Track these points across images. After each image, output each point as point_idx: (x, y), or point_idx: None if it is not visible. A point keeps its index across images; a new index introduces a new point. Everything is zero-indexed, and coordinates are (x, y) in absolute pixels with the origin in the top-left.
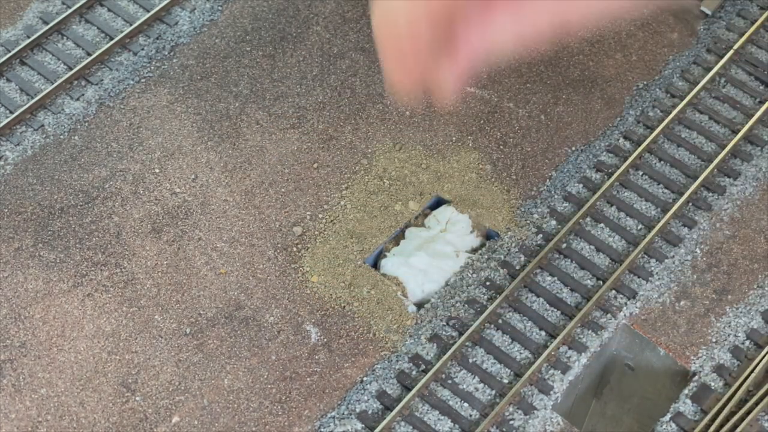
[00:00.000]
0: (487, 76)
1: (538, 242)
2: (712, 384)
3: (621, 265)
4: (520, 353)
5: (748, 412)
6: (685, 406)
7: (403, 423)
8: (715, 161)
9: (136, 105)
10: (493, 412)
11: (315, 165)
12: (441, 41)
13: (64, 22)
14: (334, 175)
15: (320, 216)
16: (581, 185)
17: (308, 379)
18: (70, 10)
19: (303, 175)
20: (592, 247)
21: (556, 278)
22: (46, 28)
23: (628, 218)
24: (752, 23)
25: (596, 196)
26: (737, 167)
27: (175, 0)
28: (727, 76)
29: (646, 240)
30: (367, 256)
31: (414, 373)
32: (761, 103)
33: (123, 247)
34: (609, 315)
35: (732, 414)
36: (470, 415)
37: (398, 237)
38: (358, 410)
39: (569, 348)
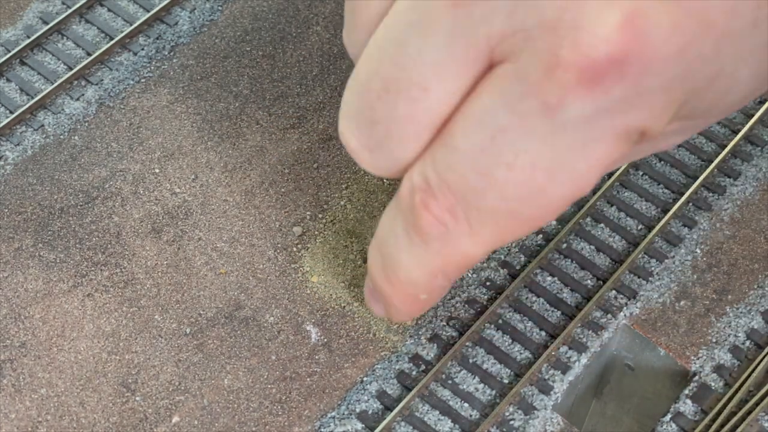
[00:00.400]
0: None
1: (539, 242)
2: (713, 384)
3: (621, 265)
4: (521, 353)
5: (748, 412)
6: (686, 406)
7: (403, 423)
8: (716, 161)
9: (136, 105)
10: (494, 412)
11: (315, 165)
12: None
13: (64, 22)
14: (334, 175)
15: (320, 216)
16: None
17: (308, 379)
18: (70, 10)
19: (303, 175)
20: (593, 247)
21: (556, 278)
22: (46, 28)
23: (628, 218)
24: None
25: (596, 196)
26: (737, 167)
27: (175, 0)
28: None
29: (647, 240)
30: (367, 256)
31: (414, 373)
32: (761, 103)
33: (123, 247)
34: (609, 315)
35: (732, 414)
36: (470, 415)
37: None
38: (358, 410)
39: (569, 348)
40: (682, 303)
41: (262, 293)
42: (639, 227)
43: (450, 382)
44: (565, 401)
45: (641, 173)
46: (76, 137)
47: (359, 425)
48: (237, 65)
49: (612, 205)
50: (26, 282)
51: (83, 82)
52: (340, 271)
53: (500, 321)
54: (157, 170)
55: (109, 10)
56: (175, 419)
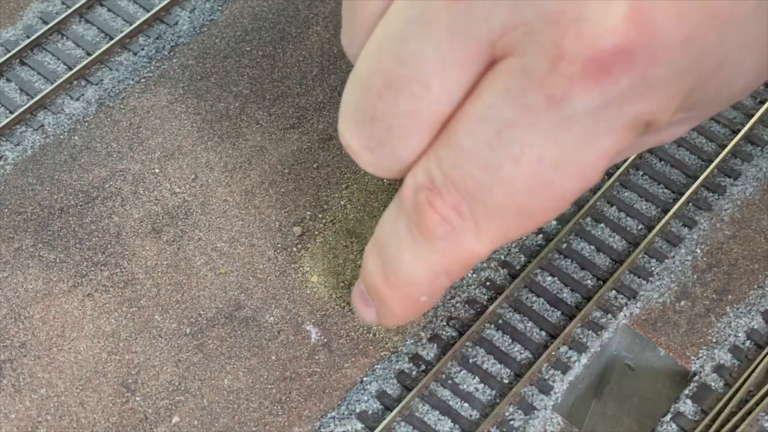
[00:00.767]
0: None
1: (539, 242)
2: (713, 384)
3: (621, 265)
4: (521, 353)
5: (748, 412)
6: (686, 406)
7: (403, 423)
8: (716, 161)
9: (136, 105)
10: (494, 412)
11: (315, 165)
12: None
13: (64, 22)
14: (334, 175)
15: (320, 216)
16: None
17: (308, 379)
18: (70, 10)
19: (303, 175)
20: (593, 247)
21: (556, 278)
22: (46, 28)
23: (628, 218)
24: None
25: (596, 195)
26: (737, 167)
27: (175, 0)
28: None
29: (647, 240)
30: None
31: (414, 373)
32: (761, 103)
33: (123, 247)
34: (609, 315)
35: (732, 414)
36: (470, 415)
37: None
38: (358, 410)
39: (569, 348)
40: (682, 303)
41: (262, 293)
42: (639, 227)
43: (450, 382)
44: (565, 401)
45: (641, 173)
46: (76, 137)
47: (359, 425)
48: (237, 65)
49: (612, 205)
50: (26, 282)
51: (83, 82)
52: (340, 271)
53: (500, 321)
54: (157, 170)
55: (109, 10)
56: (175, 419)
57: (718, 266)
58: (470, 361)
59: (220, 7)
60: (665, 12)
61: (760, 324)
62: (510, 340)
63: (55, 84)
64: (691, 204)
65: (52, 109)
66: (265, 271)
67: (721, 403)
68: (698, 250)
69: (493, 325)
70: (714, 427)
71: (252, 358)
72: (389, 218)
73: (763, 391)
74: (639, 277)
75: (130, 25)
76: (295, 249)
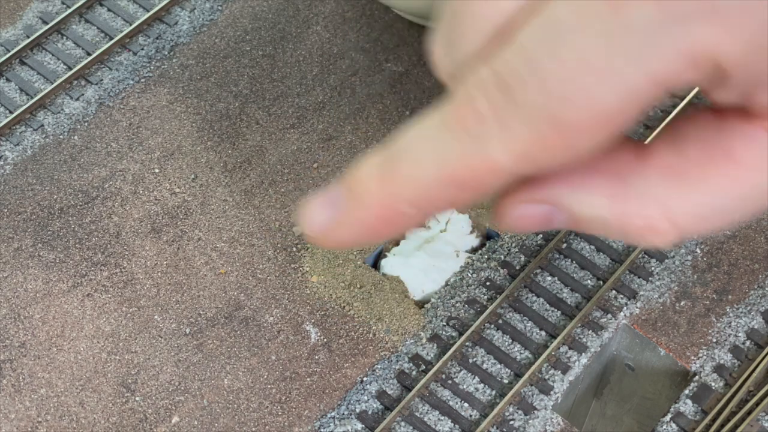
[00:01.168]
0: None
1: (539, 242)
2: (713, 384)
3: (621, 264)
4: (521, 353)
5: (748, 412)
6: (686, 406)
7: (403, 423)
8: None
9: (136, 105)
10: (494, 412)
11: (315, 165)
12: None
13: (63, 21)
14: (334, 175)
15: None
16: None
17: (308, 379)
18: (69, 10)
19: (303, 175)
20: (593, 246)
21: (556, 278)
22: (46, 27)
23: None
24: None
25: None
26: None
27: (175, 0)
28: None
29: None
30: (367, 256)
31: (414, 373)
32: None
33: (123, 247)
34: (609, 315)
35: (732, 414)
36: (470, 415)
37: (398, 237)
38: (358, 410)
39: (569, 348)
40: (682, 303)
41: (262, 293)
42: None
43: (450, 382)
44: (565, 401)
45: None
46: (76, 137)
47: (359, 425)
48: (237, 65)
49: None
50: (26, 282)
51: (83, 82)
52: (340, 271)
53: (500, 321)
54: (156, 170)
55: (109, 9)
56: (175, 419)
57: (719, 266)
58: (470, 361)
59: (220, 7)
60: None
61: (760, 324)
62: (510, 340)
63: (55, 84)
64: None
65: (52, 109)
66: (265, 271)
67: (721, 403)
68: (698, 250)
69: (493, 325)
70: (714, 427)
71: (252, 358)
72: (421, 119)
73: (763, 391)
74: (639, 277)
75: (130, 25)
76: (295, 249)
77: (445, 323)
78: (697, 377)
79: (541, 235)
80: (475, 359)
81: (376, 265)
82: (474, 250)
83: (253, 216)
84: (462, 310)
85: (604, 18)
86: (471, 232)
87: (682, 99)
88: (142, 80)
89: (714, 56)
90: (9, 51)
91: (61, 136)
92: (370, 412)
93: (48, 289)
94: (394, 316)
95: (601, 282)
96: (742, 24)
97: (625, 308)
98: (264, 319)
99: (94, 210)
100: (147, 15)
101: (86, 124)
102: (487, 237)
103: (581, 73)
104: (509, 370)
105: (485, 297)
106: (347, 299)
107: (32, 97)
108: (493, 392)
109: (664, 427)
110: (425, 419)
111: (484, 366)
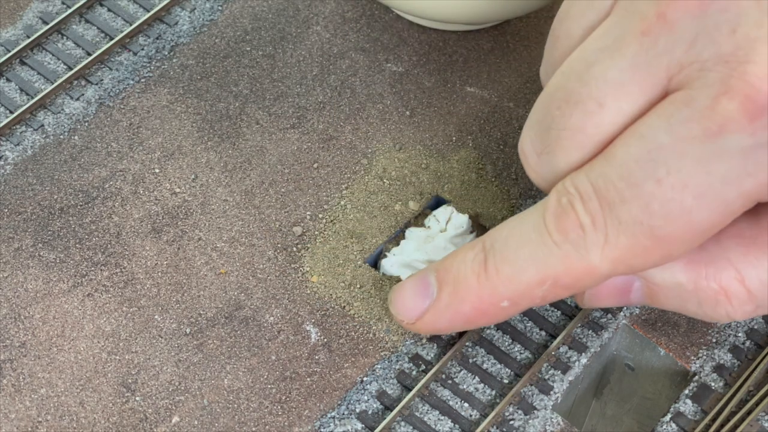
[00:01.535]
0: (487, 76)
1: None
2: (713, 384)
3: None
4: (521, 353)
5: (748, 412)
6: (686, 406)
7: (403, 423)
8: None
9: (136, 105)
10: (494, 412)
11: (315, 165)
12: None
13: (64, 21)
14: (334, 175)
15: (320, 216)
16: None
17: (308, 379)
18: (70, 10)
19: (303, 175)
20: None
21: None
22: (46, 27)
23: None
24: None
25: None
26: None
27: (175, 0)
28: None
29: None
30: (367, 256)
31: (414, 373)
32: None
33: (123, 247)
34: (609, 314)
35: (732, 414)
36: (470, 415)
37: (398, 237)
38: (358, 410)
39: (569, 348)
40: None
41: (262, 293)
42: None
43: (450, 382)
44: (565, 401)
45: None
46: (76, 137)
47: (359, 425)
48: (237, 65)
49: None
50: (26, 282)
51: (83, 82)
52: (340, 271)
53: None
54: (157, 170)
55: (109, 10)
56: (175, 419)
57: None
58: (470, 361)
59: (220, 7)
60: None
61: (760, 324)
62: (510, 340)
63: (55, 84)
64: None
65: (52, 109)
66: (265, 271)
67: (721, 403)
68: None
69: (493, 325)
70: (714, 427)
71: (252, 358)
72: (516, 220)
73: (763, 391)
74: None
75: (130, 25)
76: (295, 249)
77: None
78: (697, 377)
79: None
80: (475, 359)
81: (376, 265)
82: None
83: (253, 216)
84: None
85: (701, 144)
86: (471, 232)
87: None
88: (143, 80)
89: None
90: (9, 51)
91: (61, 136)
92: (370, 412)
93: (48, 289)
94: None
95: None
96: None
97: (625, 308)
98: (264, 319)
99: (94, 210)
100: (147, 15)
101: (86, 124)
102: None
103: (681, 195)
104: (509, 370)
105: None
106: (347, 299)
107: (32, 97)
108: (493, 392)
109: (664, 427)
110: (425, 419)
111: (484, 366)
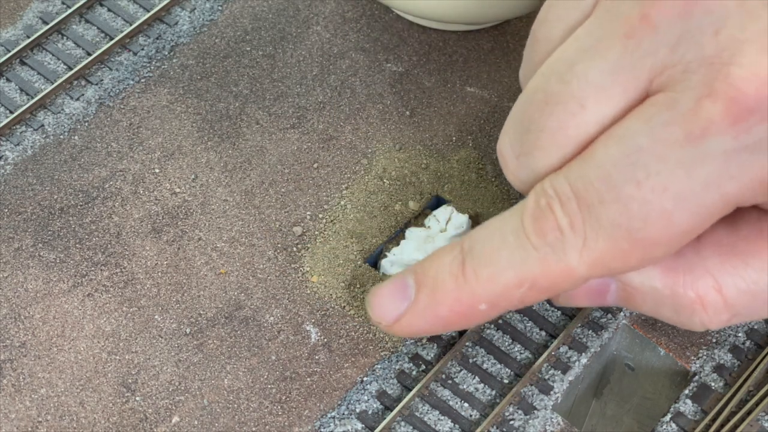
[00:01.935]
0: (487, 76)
1: None
2: (713, 384)
3: None
4: (521, 353)
5: (748, 412)
6: (686, 406)
7: (403, 423)
8: None
9: (136, 105)
10: (494, 412)
11: (315, 165)
12: None
13: (64, 22)
14: (334, 175)
15: (320, 216)
16: None
17: (308, 379)
18: (70, 10)
19: (303, 175)
20: None
21: None
22: (46, 28)
23: None
24: None
25: None
26: None
27: (175, 0)
28: None
29: None
30: (367, 256)
31: (414, 373)
32: None
33: (123, 247)
34: (609, 314)
35: (732, 414)
36: (470, 415)
37: (398, 237)
38: (358, 410)
39: (569, 348)
40: None
41: (262, 293)
42: None
43: (450, 382)
44: (565, 401)
45: None
46: (76, 137)
47: (359, 425)
48: (237, 65)
49: None
50: (26, 282)
51: (83, 82)
52: (340, 271)
53: (500, 321)
54: (157, 170)
55: (109, 10)
56: (175, 419)
57: None
58: (470, 361)
59: (220, 7)
60: None
61: (760, 324)
62: (510, 340)
63: (55, 84)
64: None
65: (52, 109)
66: (265, 271)
67: (721, 403)
68: None
69: (493, 325)
70: (714, 427)
71: (252, 358)
72: (494, 222)
73: (763, 391)
74: None
75: (130, 25)
76: (295, 249)
77: None
78: (697, 377)
79: None
80: (475, 359)
81: (376, 265)
82: None
83: (253, 216)
84: None
85: (682, 147)
86: None
87: None
88: (143, 80)
89: None
90: (9, 51)
91: (61, 136)
92: (370, 412)
93: (48, 289)
94: None
95: None
96: None
97: (625, 308)
98: (264, 319)
99: (94, 210)
100: (147, 15)
101: (86, 124)
102: None
103: (660, 198)
104: (509, 370)
105: None
106: (347, 299)
107: (32, 97)
108: (493, 392)
109: (664, 426)
110: (425, 419)
111: (484, 366)
